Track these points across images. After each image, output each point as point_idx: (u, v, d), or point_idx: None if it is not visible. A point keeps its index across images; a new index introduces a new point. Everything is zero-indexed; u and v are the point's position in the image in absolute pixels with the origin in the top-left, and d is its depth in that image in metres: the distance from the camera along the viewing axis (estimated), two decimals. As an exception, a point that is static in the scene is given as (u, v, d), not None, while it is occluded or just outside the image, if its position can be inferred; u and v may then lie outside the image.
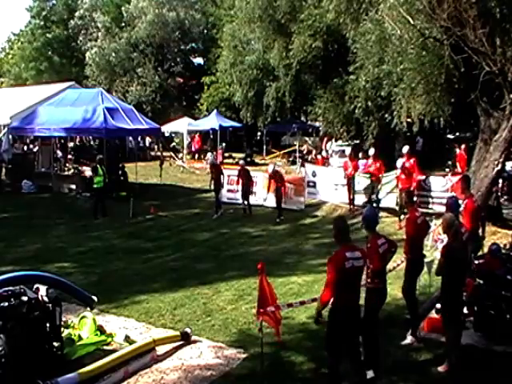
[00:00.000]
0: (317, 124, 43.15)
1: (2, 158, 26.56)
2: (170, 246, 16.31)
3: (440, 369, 7.97)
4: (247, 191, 20.86)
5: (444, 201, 12.51)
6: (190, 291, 11.83)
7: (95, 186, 20.64)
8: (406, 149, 19.48)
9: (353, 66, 21.54)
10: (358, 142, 28.95)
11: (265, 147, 42.85)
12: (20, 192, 25.21)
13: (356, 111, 24.50)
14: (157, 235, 17.59)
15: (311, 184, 22.67)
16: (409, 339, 8.88)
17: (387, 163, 27.11)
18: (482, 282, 9.30)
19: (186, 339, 9.09)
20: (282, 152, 40.85)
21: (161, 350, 8.71)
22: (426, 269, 10.20)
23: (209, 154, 39.35)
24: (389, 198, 20.00)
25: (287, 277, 12.59)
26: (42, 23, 56.54)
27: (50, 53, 57.06)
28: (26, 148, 30.86)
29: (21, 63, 59.25)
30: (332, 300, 6.88)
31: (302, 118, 47.14)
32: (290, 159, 38.30)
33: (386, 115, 22.49)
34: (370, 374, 7.70)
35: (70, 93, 27.15)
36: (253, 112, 37.32)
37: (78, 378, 7.43)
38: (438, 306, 8.85)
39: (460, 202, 11.28)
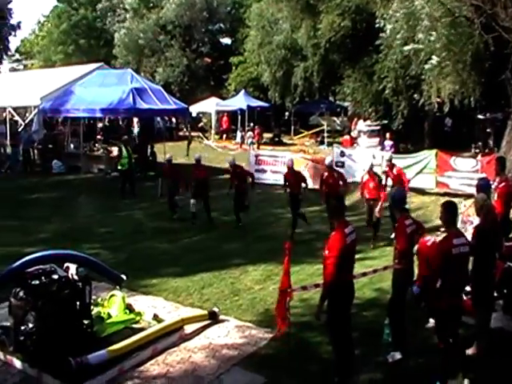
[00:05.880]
0: (345, 104, 42.88)
1: (33, 138, 26.90)
2: (198, 226, 16.38)
3: (469, 351, 7.90)
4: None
5: (473, 182, 12.34)
6: (218, 271, 11.90)
7: (120, 167, 20.93)
8: (388, 156, 16.40)
9: (381, 43, 21.32)
10: (386, 122, 28.73)
11: (293, 127, 42.68)
12: (50, 172, 25.55)
13: (385, 91, 24.28)
14: (185, 215, 17.64)
15: (339, 164, 22.52)
16: (432, 322, 8.74)
17: (416, 143, 26.87)
18: (511, 264, 9.19)
19: (213, 318, 9.16)
20: (310, 132, 40.66)
21: (189, 328, 8.79)
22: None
23: (238, 134, 39.38)
24: (418, 178, 19.83)
25: (316, 258, 12.53)
26: (69, 7, 56.74)
27: (76, 36, 57.34)
28: (55, 129, 31.13)
29: (49, 46, 59.68)
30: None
31: (331, 98, 46.85)
32: (318, 139, 38.09)
33: (416, 95, 22.24)
34: (397, 355, 7.70)
35: (99, 74, 27.29)
36: (281, 92, 37.28)
37: (108, 356, 7.54)
38: (467, 288, 8.77)
39: (491, 183, 11.14)
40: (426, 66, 17.74)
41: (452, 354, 7.00)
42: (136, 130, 33.91)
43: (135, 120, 33.40)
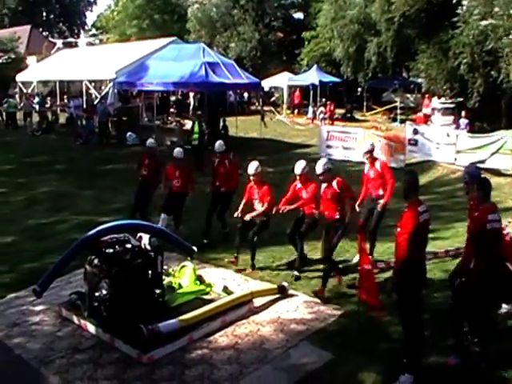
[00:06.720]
0: (419, 80, 41.91)
1: (108, 111, 27.50)
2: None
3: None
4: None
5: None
6: (288, 246, 11.83)
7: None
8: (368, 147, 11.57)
9: (458, 19, 20.67)
10: (461, 99, 27.97)
11: (365, 103, 42.07)
12: (124, 144, 26.05)
13: (460, 67, 23.60)
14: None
15: (412, 142, 22.12)
16: (504, 307, 8.47)
17: (492, 122, 26.02)
18: None
19: (282, 293, 9.21)
20: (382, 108, 40.00)
21: (258, 302, 8.88)
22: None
23: (310, 110, 39.08)
24: (494, 158, 19.29)
25: (387, 236, 12.33)
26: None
27: (151, 10, 58.16)
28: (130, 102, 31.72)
29: (125, 20, 60.69)
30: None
31: (404, 74, 45.89)
32: (391, 116, 37.44)
33: (493, 72, 21.54)
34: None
35: (173, 48, 27.62)
36: (353, 67, 36.75)
37: (179, 325, 7.70)
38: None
39: None
40: (504, 42, 17.12)
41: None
42: (192, 103, 34.07)
43: (191, 94, 33.62)
